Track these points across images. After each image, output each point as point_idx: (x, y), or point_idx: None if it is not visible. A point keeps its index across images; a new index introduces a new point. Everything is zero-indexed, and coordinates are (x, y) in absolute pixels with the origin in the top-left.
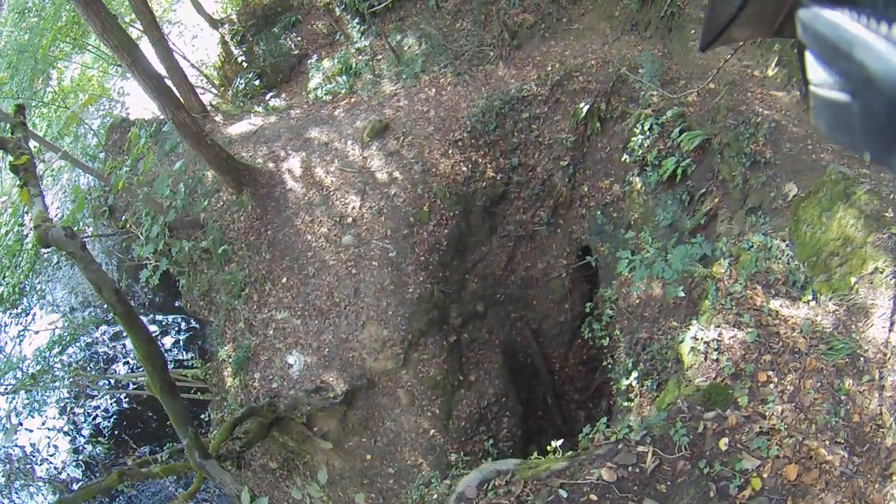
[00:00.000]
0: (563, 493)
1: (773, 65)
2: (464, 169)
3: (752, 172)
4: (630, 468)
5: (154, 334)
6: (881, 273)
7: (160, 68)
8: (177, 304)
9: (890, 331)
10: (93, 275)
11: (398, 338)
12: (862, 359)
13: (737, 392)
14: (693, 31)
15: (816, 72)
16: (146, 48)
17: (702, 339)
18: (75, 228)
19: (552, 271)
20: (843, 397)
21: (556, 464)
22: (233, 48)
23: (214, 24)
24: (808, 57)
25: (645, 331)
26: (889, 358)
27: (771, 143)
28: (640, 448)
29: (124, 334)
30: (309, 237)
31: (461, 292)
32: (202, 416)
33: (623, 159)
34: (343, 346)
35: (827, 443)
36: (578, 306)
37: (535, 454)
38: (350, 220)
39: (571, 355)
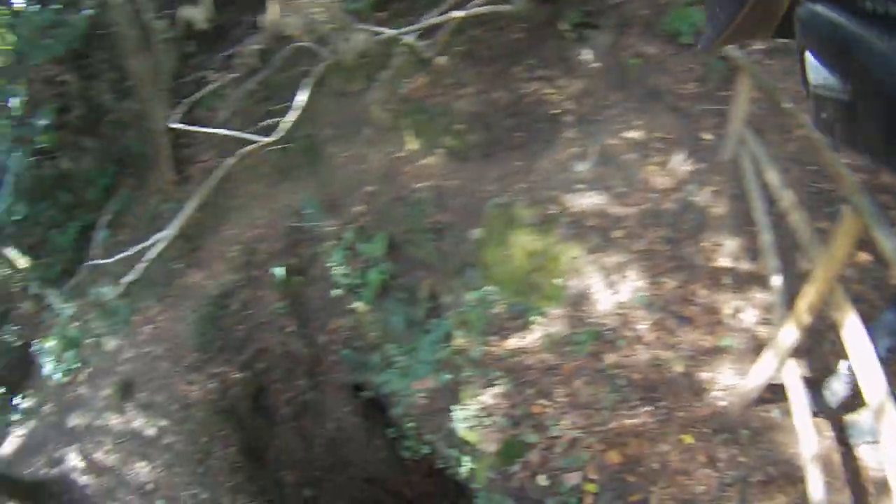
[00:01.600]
0: None
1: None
2: (212, 386)
3: (437, 240)
4: None
5: None
6: None
7: None
8: None
9: None
10: None
11: None
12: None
13: (525, 435)
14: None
15: (816, 72)
16: None
17: (471, 415)
18: None
19: (344, 423)
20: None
21: None
22: None
23: None
24: (808, 57)
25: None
26: None
27: (440, 209)
28: None
29: None
30: None
31: (282, 491)
32: None
33: (336, 295)
34: None
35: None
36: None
37: None
38: (152, 486)
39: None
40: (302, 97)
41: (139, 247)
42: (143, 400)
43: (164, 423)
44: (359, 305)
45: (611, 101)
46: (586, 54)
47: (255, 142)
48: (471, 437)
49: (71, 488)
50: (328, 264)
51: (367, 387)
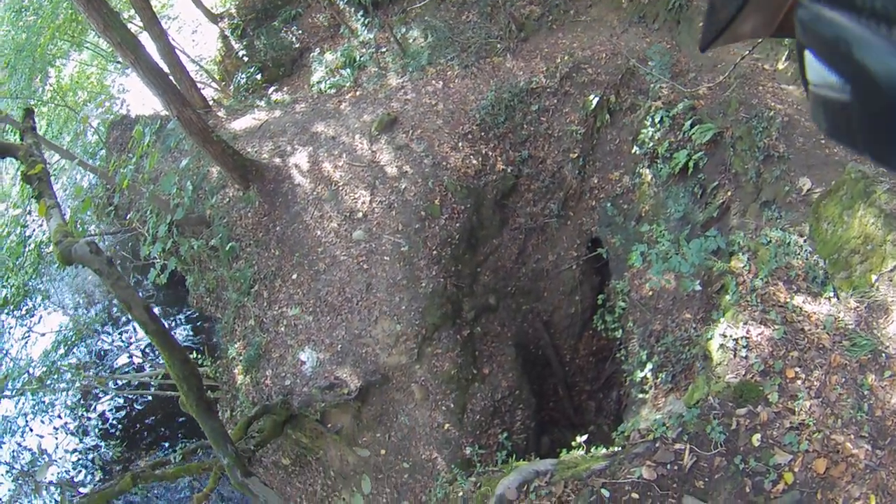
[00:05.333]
0: (606, 493)
1: (783, 59)
2: (474, 162)
3: (766, 166)
4: (668, 466)
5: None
6: None
7: (161, 64)
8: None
9: None
10: (121, 292)
11: (411, 332)
12: (883, 355)
13: (767, 389)
14: (701, 24)
15: (816, 72)
16: (147, 44)
17: (730, 336)
18: (79, 227)
19: (563, 263)
20: (866, 392)
21: (596, 463)
22: (233, 42)
23: (213, 18)
24: (808, 57)
25: (658, 323)
26: None
27: (784, 138)
28: (678, 446)
29: (134, 334)
30: (318, 233)
31: (473, 286)
32: None
33: (633, 151)
34: (356, 341)
35: (852, 437)
36: (589, 298)
37: (567, 451)
38: (360, 214)
39: (582, 346)
40: None
41: None
42: (399, 141)
43: (406, 168)
44: (646, 173)
45: None
46: None
47: None
48: (714, 354)
49: (283, 180)
50: (643, 121)
51: (604, 246)
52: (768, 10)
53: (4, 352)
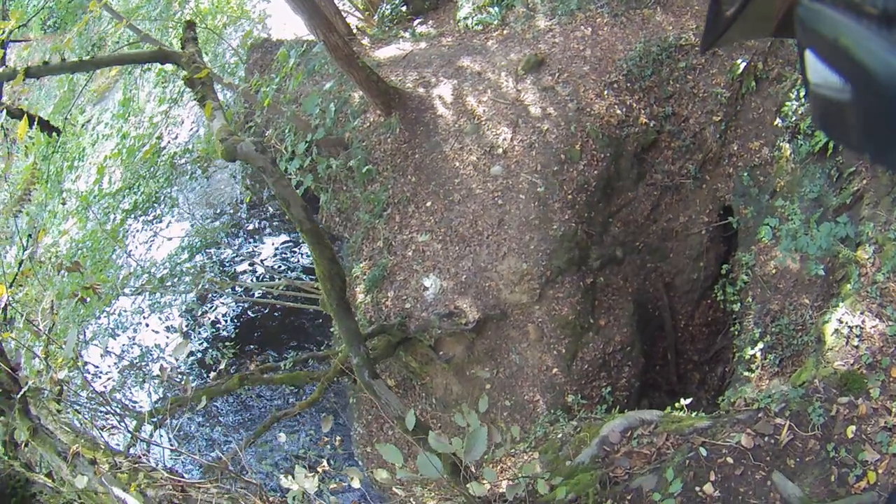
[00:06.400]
0: (703, 452)
1: None
2: (618, 112)
3: None
4: (766, 438)
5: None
6: None
7: None
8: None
9: None
10: (282, 190)
11: (536, 273)
12: None
13: (871, 382)
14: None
15: (817, 71)
16: None
17: (846, 322)
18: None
19: (692, 227)
20: None
21: (699, 422)
22: None
23: None
24: (809, 56)
25: (777, 303)
26: None
27: None
28: (778, 420)
29: (257, 247)
30: (457, 164)
31: (603, 236)
32: (326, 329)
33: (775, 123)
34: (481, 274)
35: None
36: (713, 266)
37: (670, 410)
38: (500, 151)
39: (697, 315)
40: None
41: None
42: (545, 82)
43: (550, 110)
44: (786, 147)
45: None
46: None
47: None
48: (828, 338)
49: (426, 110)
50: (788, 93)
51: (735, 215)
52: (769, 10)
53: (128, 253)
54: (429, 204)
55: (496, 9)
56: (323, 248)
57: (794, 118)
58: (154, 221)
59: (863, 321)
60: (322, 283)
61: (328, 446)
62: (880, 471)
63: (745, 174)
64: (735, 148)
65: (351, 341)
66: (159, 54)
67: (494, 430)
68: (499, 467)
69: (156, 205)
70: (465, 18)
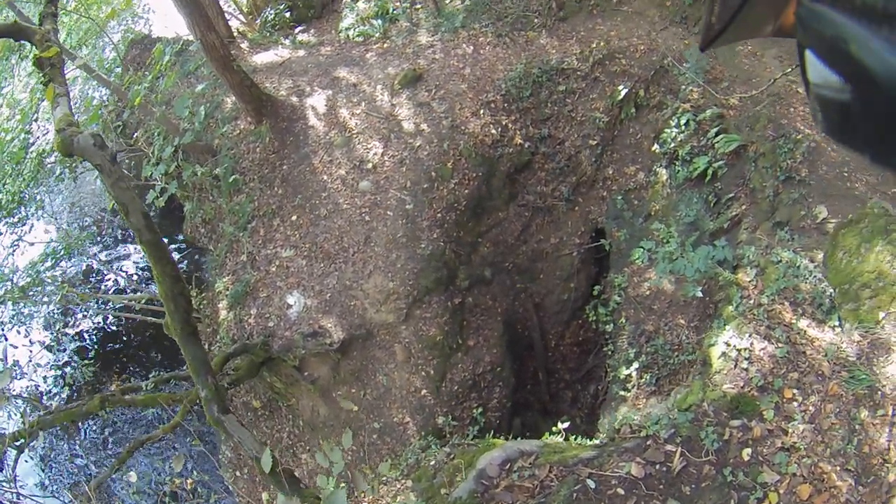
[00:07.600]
0: (592, 484)
1: None
2: (493, 131)
3: (785, 188)
4: (658, 466)
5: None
6: None
7: None
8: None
9: None
10: (120, 193)
11: (403, 292)
12: (879, 392)
13: (763, 405)
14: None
15: (817, 71)
16: None
17: (734, 346)
18: None
19: (564, 248)
20: (857, 427)
21: (584, 452)
22: None
23: None
24: (809, 56)
25: (651, 323)
26: None
27: (808, 163)
28: (669, 447)
29: (122, 256)
30: (325, 178)
31: (472, 255)
32: None
33: (653, 149)
34: (346, 292)
35: (838, 468)
36: (584, 287)
37: (548, 435)
38: (370, 165)
39: (568, 335)
40: None
41: None
42: (421, 98)
43: (424, 126)
44: (662, 172)
45: None
46: None
47: None
48: (714, 361)
49: (297, 119)
50: (668, 120)
51: (607, 238)
52: (769, 10)
53: None
54: (294, 218)
55: (379, 21)
56: (165, 264)
57: (672, 145)
58: (18, 224)
59: (751, 343)
60: (165, 304)
61: (191, 477)
62: (781, 491)
63: (620, 198)
64: (610, 172)
65: (198, 371)
66: (13, 28)
67: (359, 478)
68: (371, 497)
69: (21, 206)
70: (348, 29)
